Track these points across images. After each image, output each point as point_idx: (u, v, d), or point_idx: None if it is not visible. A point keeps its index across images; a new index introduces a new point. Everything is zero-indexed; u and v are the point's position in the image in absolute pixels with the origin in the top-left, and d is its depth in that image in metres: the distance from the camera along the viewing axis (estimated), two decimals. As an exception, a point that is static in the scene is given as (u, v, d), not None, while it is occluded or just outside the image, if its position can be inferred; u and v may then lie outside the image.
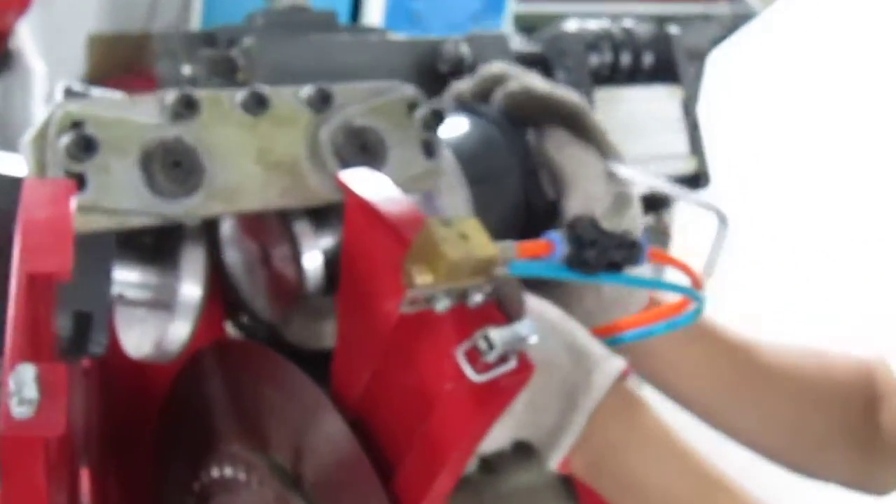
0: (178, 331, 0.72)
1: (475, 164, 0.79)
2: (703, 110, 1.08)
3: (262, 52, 0.88)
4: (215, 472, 0.79)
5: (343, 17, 0.98)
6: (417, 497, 0.66)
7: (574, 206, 0.78)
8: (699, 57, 1.62)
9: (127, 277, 0.71)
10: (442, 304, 0.59)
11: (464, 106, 0.84)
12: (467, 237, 0.59)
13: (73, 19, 3.13)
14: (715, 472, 0.70)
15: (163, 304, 0.72)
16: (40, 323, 0.55)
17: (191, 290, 0.72)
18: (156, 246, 0.72)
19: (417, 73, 0.94)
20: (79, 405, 0.87)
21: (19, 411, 0.50)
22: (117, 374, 0.87)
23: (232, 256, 0.77)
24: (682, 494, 0.69)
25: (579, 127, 0.81)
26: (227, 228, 0.78)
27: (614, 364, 0.71)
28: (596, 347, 0.72)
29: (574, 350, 0.71)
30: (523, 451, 0.81)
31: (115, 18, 3.28)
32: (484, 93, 0.85)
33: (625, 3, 3.24)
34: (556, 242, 0.63)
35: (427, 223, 0.59)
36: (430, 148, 0.75)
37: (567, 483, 0.88)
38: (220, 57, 0.89)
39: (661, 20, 1.18)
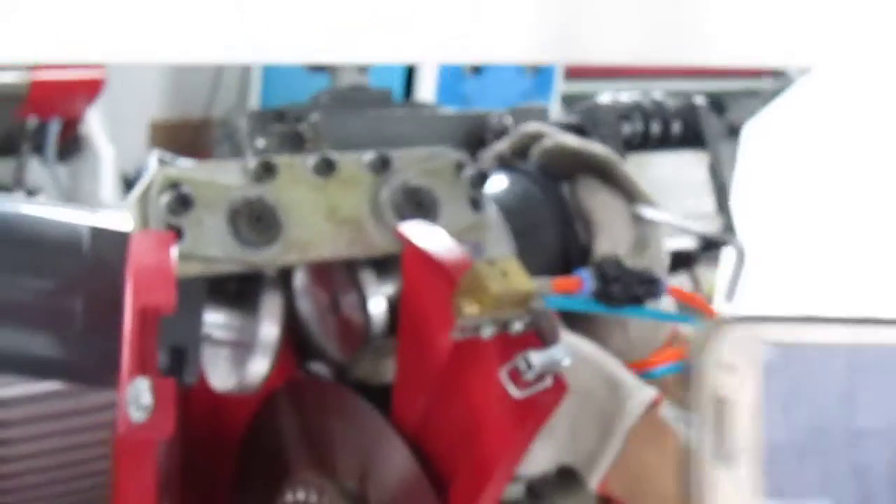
0: (258, 366, 0.83)
1: (517, 218, 0.89)
2: (739, 178, 1.17)
3: (327, 126, 0.99)
4: (289, 498, 0.88)
5: (397, 98, 1.09)
6: (470, 508, 0.76)
7: (602, 246, 0.88)
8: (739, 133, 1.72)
9: (214, 319, 0.82)
10: (487, 332, 0.69)
11: (504, 164, 0.95)
12: (507, 274, 0.70)
13: (136, 106, 3.26)
14: None
15: (244, 343, 0.83)
16: (148, 350, 0.66)
17: (269, 330, 0.82)
18: (239, 292, 0.83)
19: (465, 142, 1.05)
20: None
21: (136, 416, 0.60)
22: (195, 412, 0.98)
23: (305, 306, 0.87)
24: None
25: (609, 176, 0.91)
26: (299, 281, 0.88)
27: (646, 392, 0.80)
28: (629, 378, 0.81)
29: (609, 380, 0.80)
30: (566, 477, 0.90)
31: (175, 105, 3.41)
32: (522, 150, 0.95)
33: (671, 81, 3.34)
34: (585, 279, 0.72)
35: (476, 264, 0.69)
36: (476, 203, 0.86)
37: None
38: (289, 131, 1.00)
39: (710, 96, 1.26)
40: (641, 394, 0.79)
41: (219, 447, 0.99)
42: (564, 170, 0.93)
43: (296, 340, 0.89)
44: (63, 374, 0.80)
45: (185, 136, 3.41)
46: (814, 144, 1.82)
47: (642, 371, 0.88)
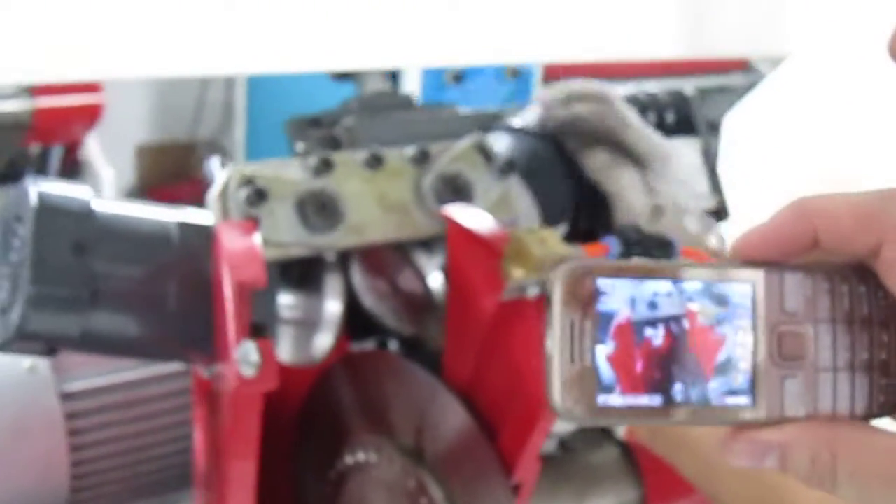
0: (324, 341, 0.94)
1: (531, 177, 1.01)
2: (723, 168, 1.28)
3: (360, 129, 1.09)
4: (349, 459, 0.99)
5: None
6: (518, 452, 0.87)
7: (620, 216, 1.00)
8: (717, 127, 1.83)
9: (283, 301, 0.93)
10: (532, 291, 0.81)
11: (515, 131, 1.07)
12: (546, 241, 0.81)
13: (122, 130, 3.32)
14: None
15: (310, 321, 0.94)
16: (245, 319, 0.77)
17: (334, 307, 0.94)
18: (302, 276, 0.94)
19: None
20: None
21: (247, 372, 0.71)
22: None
23: (367, 297, 0.98)
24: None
25: (621, 146, 1.02)
26: (357, 280, 0.99)
27: None
28: None
29: None
30: (594, 433, 1.01)
31: (160, 128, 3.47)
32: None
33: (645, 81, 3.45)
34: (611, 244, 0.84)
35: (517, 233, 0.81)
36: (501, 172, 0.98)
37: (630, 457, 1.07)
38: (326, 135, 1.11)
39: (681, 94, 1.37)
40: None
41: (276, 420, 1.10)
42: (580, 140, 1.04)
43: (349, 321, 1.01)
44: (158, 351, 0.90)
45: (171, 159, 3.48)
46: (789, 132, 1.94)
47: None
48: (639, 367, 0.39)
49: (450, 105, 1.22)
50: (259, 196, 0.85)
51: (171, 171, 3.43)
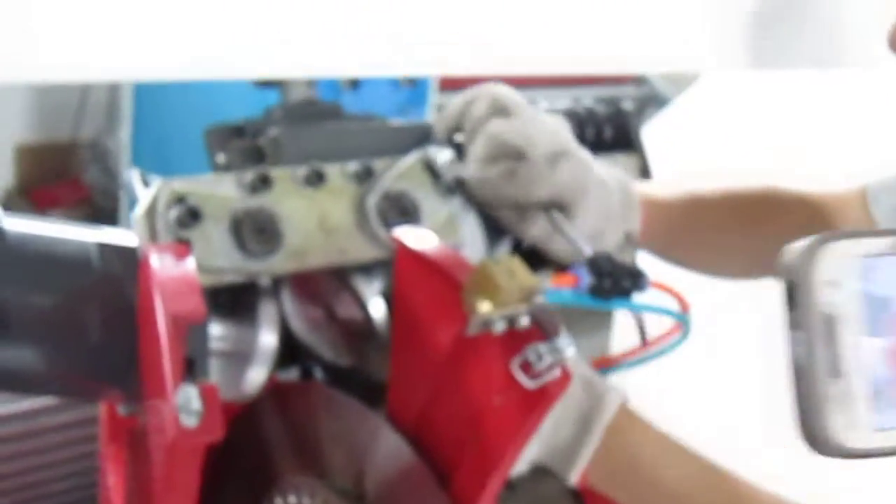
0: (257, 375, 0.85)
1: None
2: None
3: (286, 140, 1.01)
4: (278, 502, 0.90)
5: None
6: (472, 498, 0.80)
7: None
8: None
9: (211, 331, 0.84)
10: (498, 326, 0.73)
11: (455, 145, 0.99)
12: (513, 272, 0.74)
13: (3, 129, 3.18)
14: (713, 463, 0.84)
15: (241, 353, 0.85)
16: (180, 356, 0.68)
17: (268, 338, 0.85)
18: (232, 305, 0.85)
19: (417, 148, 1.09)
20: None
21: (188, 421, 0.63)
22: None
23: (298, 326, 0.90)
24: (692, 480, 0.82)
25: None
26: (288, 306, 0.91)
27: (618, 391, 0.85)
28: (600, 379, 0.86)
29: (584, 381, 0.85)
30: (538, 472, 0.94)
31: (41, 128, 3.33)
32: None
33: (538, 90, 3.42)
34: (580, 275, 0.77)
35: (483, 263, 0.74)
36: (449, 190, 0.91)
37: (576, 496, 1.01)
38: (249, 145, 1.02)
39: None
40: (615, 392, 0.84)
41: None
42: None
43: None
44: (71, 388, 0.81)
45: (52, 159, 3.35)
46: (714, 140, 1.91)
47: (605, 366, 0.94)
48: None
49: (379, 116, 1.14)
50: (192, 216, 0.76)
51: (51, 171, 3.31)
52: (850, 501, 1.46)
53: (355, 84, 1.32)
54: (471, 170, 0.92)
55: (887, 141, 1.13)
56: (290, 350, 0.93)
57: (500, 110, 0.94)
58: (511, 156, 0.92)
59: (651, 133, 1.64)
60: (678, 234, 1.08)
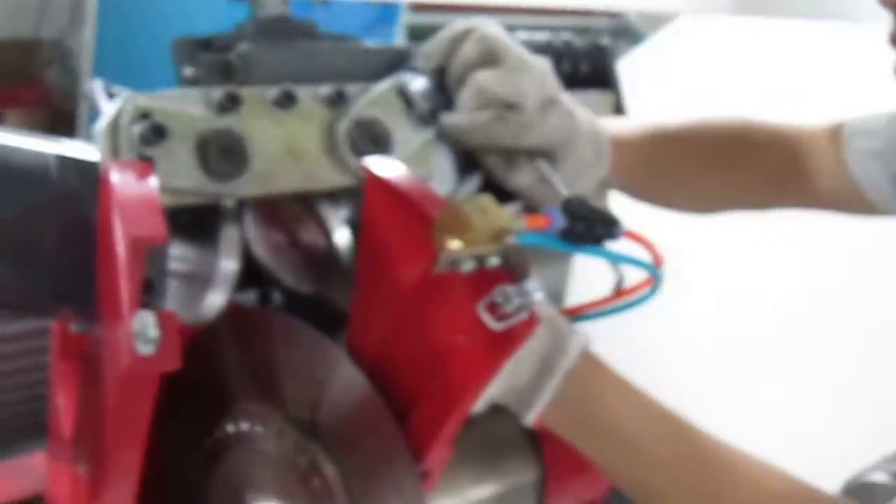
0: (216, 299, 0.83)
1: None
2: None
3: (257, 57, 0.98)
4: (230, 428, 0.89)
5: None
6: (430, 437, 0.78)
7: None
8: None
9: (171, 252, 0.82)
10: (467, 266, 0.72)
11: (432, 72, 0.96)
12: (486, 211, 0.72)
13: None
14: (676, 414, 0.83)
15: (201, 275, 0.83)
16: (139, 280, 0.66)
17: (229, 263, 0.83)
18: (193, 225, 0.83)
19: (389, 74, 1.06)
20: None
21: (144, 349, 0.61)
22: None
23: (260, 250, 0.88)
24: (652, 429, 0.82)
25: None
26: (251, 229, 0.88)
27: (582, 335, 0.83)
28: (564, 322, 0.84)
29: (549, 323, 0.83)
30: (496, 411, 0.93)
31: (1, 25, 3.25)
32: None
33: (510, 16, 3.38)
34: (554, 217, 0.75)
35: (456, 201, 0.71)
36: (423, 118, 0.89)
37: (533, 437, 1.00)
38: (218, 61, 0.99)
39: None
40: (578, 336, 0.83)
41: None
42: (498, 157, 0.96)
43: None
44: (25, 304, 0.78)
45: (11, 58, 3.27)
46: (686, 83, 1.90)
47: (574, 315, 0.93)
48: None
49: (352, 37, 1.11)
50: (157, 133, 0.73)
51: (11, 70, 3.23)
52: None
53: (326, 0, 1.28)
54: (460, 116, 0.90)
55: (866, 94, 1.12)
56: (252, 273, 0.91)
57: (489, 56, 0.92)
58: (501, 106, 0.90)
59: (624, 69, 1.62)
60: (647, 172, 1.06)
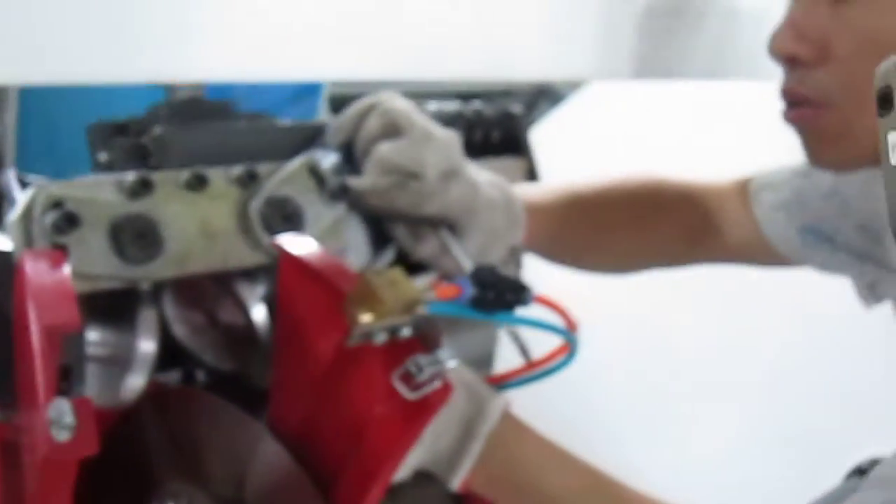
0: (135, 381, 0.84)
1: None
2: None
3: (171, 139, 0.99)
4: (156, 509, 0.89)
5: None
6: (353, 506, 0.79)
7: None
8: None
9: (88, 337, 0.83)
10: (380, 338, 0.73)
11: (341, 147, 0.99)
12: (396, 283, 0.74)
13: None
14: (599, 470, 0.85)
15: (120, 359, 0.84)
16: (54, 367, 0.67)
17: (146, 345, 0.83)
18: (111, 309, 0.84)
19: (304, 150, 1.08)
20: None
21: (60, 436, 0.61)
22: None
23: (180, 330, 0.89)
24: (575, 486, 0.84)
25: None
26: (169, 310, 0.89)
27: (502, 398, 0.86)
28: (484, 387, 0.86)
29: (468, 389, 0.85)
30: (421, 478, 0.94)
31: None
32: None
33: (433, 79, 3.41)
34: (464, 286, 0.77)
35: (365, 275, 0.73)
36: (334, 195, 0.91)
37: (457, 500, 1.01)
38: (132, 145, 1.00)
39: (467, 96, 1.33)
40: (498, 399, 0.85)
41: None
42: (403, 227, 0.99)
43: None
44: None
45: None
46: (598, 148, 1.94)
47: (497, 384, 0.94)
48: None
49: (267, 115, 1.13)
50: (69, 222, 0.75)
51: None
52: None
53: (248, 72, 1.28)
54: (362, 179, 0.93)
55: (769, 148, 1.16)
56: (173, 353, 0.92)
57: (392, 129, 0.95)
58: (403, 174, 0.93)
59: (545, 130, 1.65)
60: (563, 235, 1.09)
